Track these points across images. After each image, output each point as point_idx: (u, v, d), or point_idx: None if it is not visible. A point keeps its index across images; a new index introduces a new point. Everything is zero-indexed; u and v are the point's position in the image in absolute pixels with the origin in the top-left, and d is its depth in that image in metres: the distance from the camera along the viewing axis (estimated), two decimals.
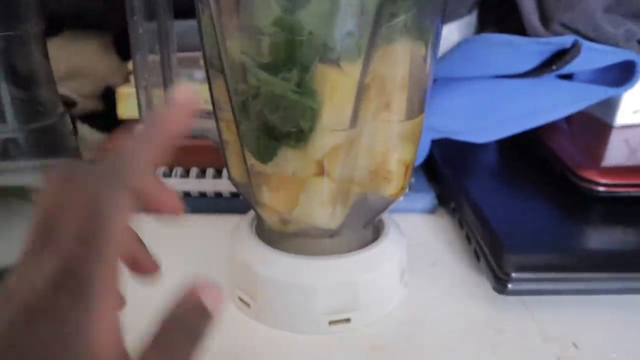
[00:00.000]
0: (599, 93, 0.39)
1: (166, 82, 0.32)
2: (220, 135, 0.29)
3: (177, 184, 0.41)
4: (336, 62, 0.23)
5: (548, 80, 0.40)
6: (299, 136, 0.24)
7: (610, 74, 0.40)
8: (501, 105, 0.41)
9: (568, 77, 0.42)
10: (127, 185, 0.16)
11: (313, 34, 0.23)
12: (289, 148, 0.24)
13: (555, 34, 0.41)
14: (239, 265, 0.29)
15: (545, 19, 0.41)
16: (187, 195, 0.41)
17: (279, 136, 0.24)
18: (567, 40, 0.37)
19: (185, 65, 0.41)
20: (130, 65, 0.43)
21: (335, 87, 0.23)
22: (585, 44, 0.37)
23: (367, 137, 0.25)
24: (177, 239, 0.37)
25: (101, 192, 0.15)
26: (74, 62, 0.45)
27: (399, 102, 0.25)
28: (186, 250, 0.36)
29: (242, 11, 0.24)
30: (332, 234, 0.28)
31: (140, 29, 0.30)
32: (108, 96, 0.47)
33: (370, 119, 0.25)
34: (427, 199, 0.42)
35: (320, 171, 0.25)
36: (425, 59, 0.25)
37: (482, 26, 0.50)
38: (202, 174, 0.42)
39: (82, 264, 0.14)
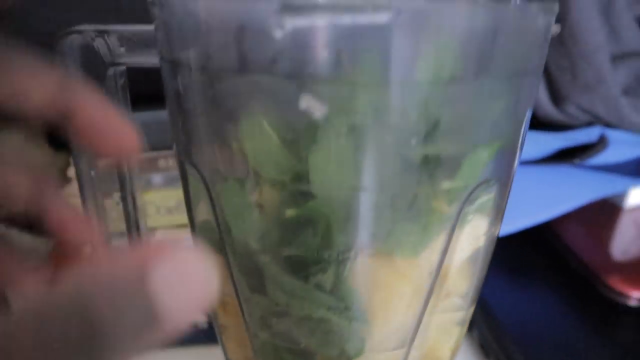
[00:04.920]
0: (622, 185, 0.35)
1: (124, 189, 0.24)
2: (211, 314, 0.22)
3: None
4: (389, 255, 0.17)
5: (565, 169, 0.36)
6: None
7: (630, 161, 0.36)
8: (512, 196, 0.36)
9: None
10: None
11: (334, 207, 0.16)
12: None
13: (569, 115, 0.36)
14: None
15: (557, 98, 0.36)
16: None
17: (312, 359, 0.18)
18: (593, 133, 0.33)
19: (141, 169, 0.34)
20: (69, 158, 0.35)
21: (393, 295, 0.17)
22: (612, 137, 0.33)
23: (418, 337, 0.19)
24: None
25: None
26: None
27: (460, 291, 0.19)
28: None
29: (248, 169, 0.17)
30: None
31: None
32: None
33: (427, 316, 0.19)
34: None
35: None
36: (494, 238, 0.19)
37: None
38: None
39: None
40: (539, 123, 0.38)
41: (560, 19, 0.36)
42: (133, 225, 0.25)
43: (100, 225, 0.25)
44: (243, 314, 0.18)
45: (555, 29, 0.17)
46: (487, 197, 0.17)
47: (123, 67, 0.20)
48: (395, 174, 0.15)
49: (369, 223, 0.16)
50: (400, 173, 0.15)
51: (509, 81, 0.14)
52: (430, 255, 0.17)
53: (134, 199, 0.25)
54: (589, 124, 0.36)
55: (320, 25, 0.12)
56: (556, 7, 0.15)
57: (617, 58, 0.35)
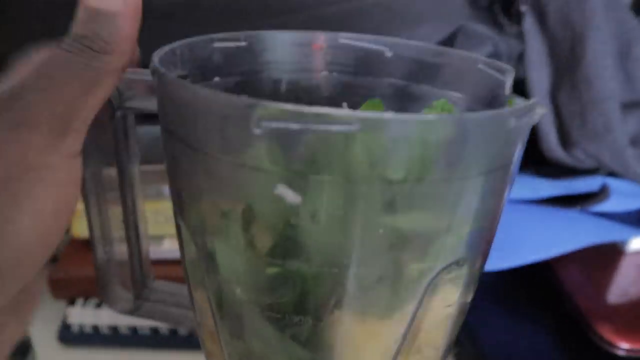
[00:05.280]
0: (623, 233, 0.36)
1: (126, 199, 0.25)
2: (200, 338, 0.23)
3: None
4: (361, 313, 0.18)
5: (568, 212, 0.36)
6: None
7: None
8: (511, 232, 0.37)
9: None
10: None
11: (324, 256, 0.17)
12: None
13: (577, 159, 0.36)
14: None
15: (566, 142, 0.36)
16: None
17: None
18: (594, 183, 0.33)
19: (149, 181, 0.35)
20: None
21: (365, 352, 0.18)
22: (614, 187, 0.33)
23: None
24: None
25: None
26: None
27: (433, 345, 0.20)
28: None
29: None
30: None
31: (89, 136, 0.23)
32: None
33: None
34: None
35: None
36: (467, 304, 0.20)
37: None
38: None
39: None
40: (541, 159, 0.38)
41: (575, 62, 0.36)
42: (132, 230, 0.26)
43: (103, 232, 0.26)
44: (223, 352, 0.19)
45: (540, 110, 0.17)
46: (458, 273, 0.17)
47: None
48: (367, 250, 0.16)
49: (346, 286, 0.17)
50: (372, 250, 0.16)
51: (478, 178, 0.15)
52: (401, 317, 0.18)
53: (134, 204, 0.25)
54: (596, 169, 0.36)
55: (294, 128, 0.12)
56: (533, 107, 0.15)
57: (628, 106, 0.35)
